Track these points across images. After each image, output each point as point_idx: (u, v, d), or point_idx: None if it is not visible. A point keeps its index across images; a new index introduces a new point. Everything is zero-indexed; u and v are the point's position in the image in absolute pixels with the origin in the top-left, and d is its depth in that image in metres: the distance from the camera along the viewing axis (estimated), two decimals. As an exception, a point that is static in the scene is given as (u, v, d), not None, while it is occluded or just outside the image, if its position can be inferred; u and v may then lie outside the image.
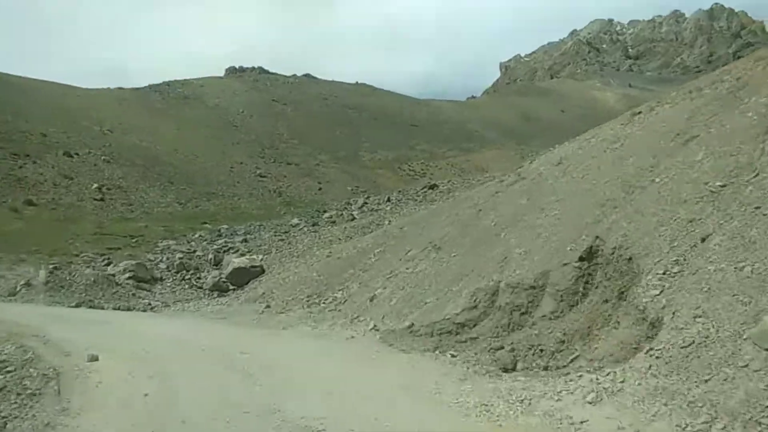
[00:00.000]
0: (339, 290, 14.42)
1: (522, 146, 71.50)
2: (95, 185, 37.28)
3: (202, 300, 18.87)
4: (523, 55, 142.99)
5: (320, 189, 50.78)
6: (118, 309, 16.25)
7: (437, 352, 9.05)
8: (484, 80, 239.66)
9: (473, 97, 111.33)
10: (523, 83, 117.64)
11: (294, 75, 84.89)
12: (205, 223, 33.24)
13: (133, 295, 18.12)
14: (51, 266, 19.22)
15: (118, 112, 57.87)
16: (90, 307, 15.82)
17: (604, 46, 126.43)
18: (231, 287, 21.41)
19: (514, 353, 8.09)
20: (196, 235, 28.16)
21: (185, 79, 77.99)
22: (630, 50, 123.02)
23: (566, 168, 12.71)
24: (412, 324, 9.99)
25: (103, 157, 42.62)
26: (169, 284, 20.68)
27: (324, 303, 13.92)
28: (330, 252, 18.72)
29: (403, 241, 15.35)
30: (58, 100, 53.69)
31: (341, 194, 48.48)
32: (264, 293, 16.89)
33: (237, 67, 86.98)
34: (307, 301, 14.73)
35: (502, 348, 8.30)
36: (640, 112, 13.49)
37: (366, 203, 35.29)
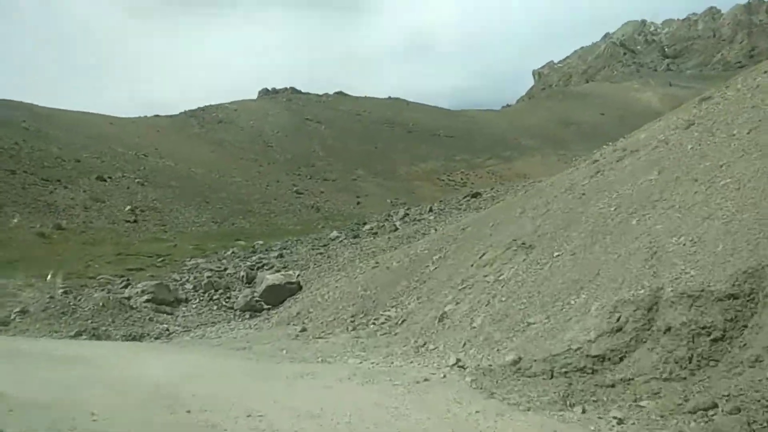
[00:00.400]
0: (391, 307, 11.08)
1: (563, 151, 67.49)
2: (128, 207, 34.89)
3: (230, 323, 15.75)
4: (556, 61, 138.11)
5: (359, 203, 47.75)
6: (129, 337, 13.20)
7: (572, 406, 5.58)
8: (517, 89, 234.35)
9: (508, 105, 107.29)
10: (558, 88, 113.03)
11: (326, 93, 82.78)
12: (239, 239, 30.36)
13: (150, 319, 15.07)
14: (60, 290, 16.42)
15: (154, 139, 56.19)
16: (93, 336, 12.79)
17: (639, 47, 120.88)
18: (265, 307, 18.32)
19: (731, 412, 4.56)
20: (228, 252, 25.20)
21: (220, 104, 76.65)
22: (667, 50, 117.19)
23: (709, 127, 9.05)
24: (519, 358, 6.51)
25: (137, 180, 40.35)
26: (194, 306, 17.65)
27: (374, 324, 10.58)
28: (376, 262, 15.40)
29: (469, 243, 11.91)
30: (95, 129, 52.17)
31: (380, 207, 45.42)
32: (299, 313, 13.67)
33: (270, 88, 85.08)
34: (352, 321, 11.46)
35: (699, 402, 4.76)
36: None
37: (407, 214, 32.20)
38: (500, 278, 8.90)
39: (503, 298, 8.24)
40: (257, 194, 45.80)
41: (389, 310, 10.88)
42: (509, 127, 78.00)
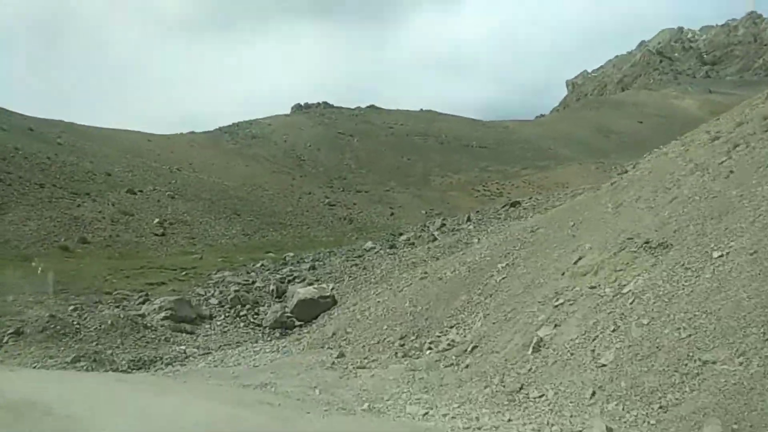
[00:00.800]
0: (451, 327, 8.66)
1: (601, 160, 64.28)
2: (156, 220, 33.14)
3: (257, 343, 13.49)
4: (590, 70, 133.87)
5: (392, 214, 45.45)
6: (136, 363, 11.00)
7: None
8: (551, 100, 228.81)
9: (542, 116, 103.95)
10: (593, 97, 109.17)
11: (358, 107, 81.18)
12: (269, 252, 28.27)
13: (166, 340, 12.90)
14: (71, 307, 14.37)
15: (189, 154, 54.93)
16: (94, 361, 10.61)
17: (676, 54, 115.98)
18: (296, 323, 16.07)
19: None
20: (258, 265, 23.04)
21: (253, 119, 75.72)
22: (705, 56, 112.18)
23: None
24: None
25: (167, 193, 38.70)
26: (219, 323, 15.47)
27: (431, 349, 8.14)
28: (425, 272, 12.94)
29: (545, 246, 9.39)
30: (130, 144, 51.09)
31: (415, 218, 43.04)
32: (335, 333, 11.30)
33: (302, 104, 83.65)
34: (401, 345, 9.06)
35: None
36: None
37: (444, 224, 29.86)
38: (624, 291, 6.31)
39: (644, 321, 5.61)
40: (290, 207, 43.86)
41: (449, 332, 8.42)
42: (544, 136, 75.00)
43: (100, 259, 24.64)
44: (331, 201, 46.75)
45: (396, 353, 8.77)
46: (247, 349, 12.34)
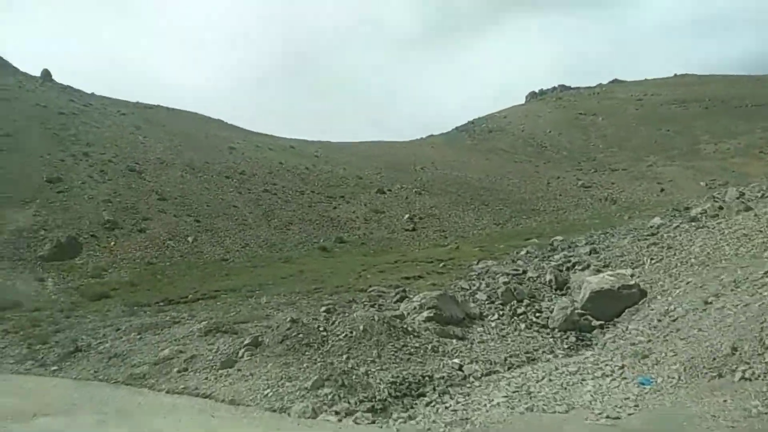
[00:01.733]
0: None
1: None
2: (406, 216, 31.08)
3: (552, 353, 9.13)
4: None
5: (662, 190, 37.39)
6: (399, 388, 7.46)
7: None
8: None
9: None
10: None
11: (599, 84, 72.10)
12: (529, 238, 23.77)
13: (434, 350, 9.30)
14: (322, 308, 11.73)
15: (429, 154, 53.14)
16: (343, 385, 7.35)
17: None
18: (594, 323, 11.38)
19: None
20: (522, 253, 18.74)
21: (488, 114, 72.16)
22: None
23: None
24: None
25: (414, 190, 36.73)
26: (494, 324, 11.51)
27: None
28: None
29: None
30: (376, 152, 51.19)
31: (692, 191, 34.62)
32: (736, 349, 6.35)
33: (537, 91, 77.34)
34: None
35: None
36: None
37: (743, 194, 22.30)
38: None
39: None
40: (539, 192, 38.82)
41: None
42: None
43: (355, 257, 22.94)
44: (585, 183, 40.48)
45: None
46: (543, 367, 8.03)
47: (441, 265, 16.56)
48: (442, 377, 7.97)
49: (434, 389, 7.46)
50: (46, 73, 51.26)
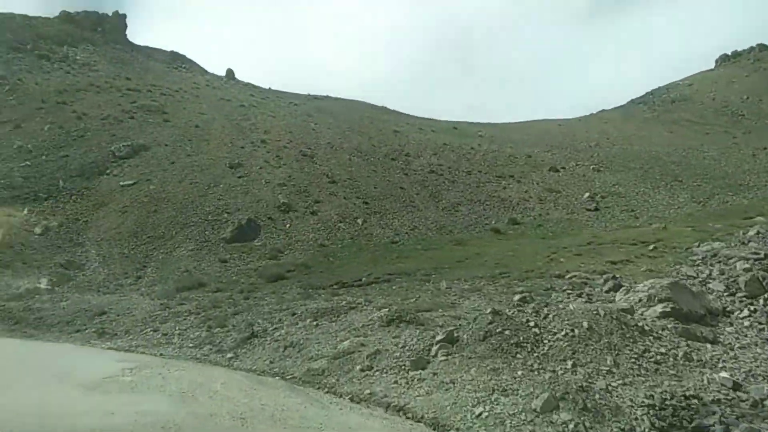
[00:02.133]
0: None
1: None
2: (586, 194, 27.62)
3: None
4: None
5: None
6: (662, 419, 5.16)
7: None
8: None
9: None
10: None
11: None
12: (750, 216, 19.36)
13: (686, 356, 6.76)
14: (516, 296, 9.68)
15: (603, 129, 48.02)
16: (585, 408, 5.26)
17: None
18: None
19: None
20: (752, 233, 14.87)
21: (670, 83, 63.76)
22: None
23: None
24: None
25: (591, 167, 32.84)
26: (747, 324, 8.57)
27: None
28: None
29: None
30: (543, 129, 47.40)
31: None
32: None
33: (729, 53, 66.51)
34: None
35: None
36: None
37: None
38: None
39: None
40: (745, 165, 32.59)
41: None
42: None
43: (533, 239, 20.43)
44: (806, 152, 33.18)
45: None
46: None
47: (651, 247, 13.50)
48: (717, 400, 5.50)
49: (720, 421, 5.05)
50: (230, 73, 55.27)
